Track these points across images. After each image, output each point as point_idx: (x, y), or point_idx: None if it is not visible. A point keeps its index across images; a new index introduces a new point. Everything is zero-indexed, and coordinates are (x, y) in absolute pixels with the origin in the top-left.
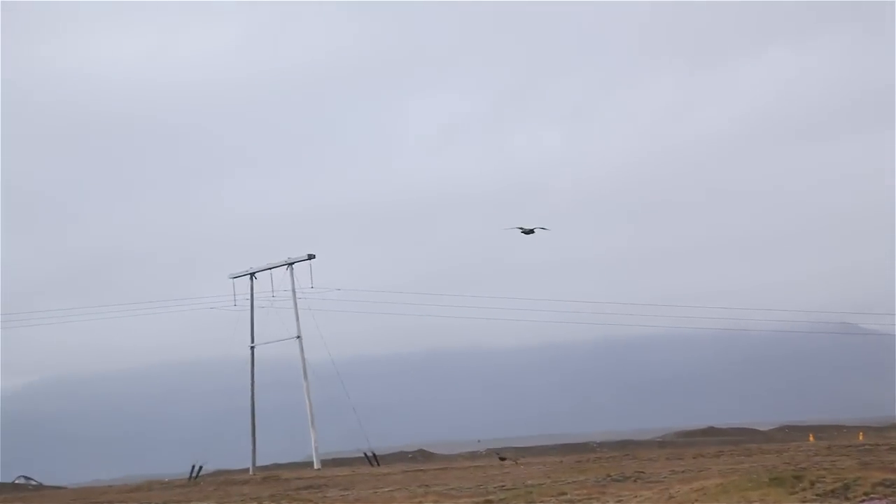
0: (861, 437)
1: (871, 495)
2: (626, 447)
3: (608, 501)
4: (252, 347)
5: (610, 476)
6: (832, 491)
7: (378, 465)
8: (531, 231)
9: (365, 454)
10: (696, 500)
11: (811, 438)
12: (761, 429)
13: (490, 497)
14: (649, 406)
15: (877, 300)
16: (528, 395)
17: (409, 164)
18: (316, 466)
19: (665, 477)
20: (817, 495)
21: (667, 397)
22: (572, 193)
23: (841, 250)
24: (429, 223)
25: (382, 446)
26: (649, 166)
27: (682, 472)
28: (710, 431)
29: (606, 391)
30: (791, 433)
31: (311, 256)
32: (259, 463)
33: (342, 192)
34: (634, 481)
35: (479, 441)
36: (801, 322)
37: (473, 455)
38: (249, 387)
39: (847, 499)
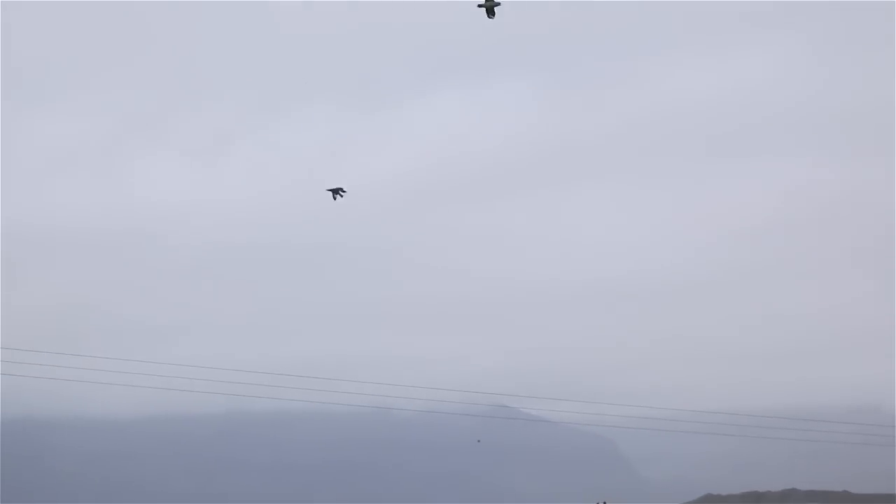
0: None
1: None
2: None
3: None
4: None
5: None
6: None
7: None
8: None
9: None
10: None
11: None
12: None
13: None
14: (281, 488)
15: (537, 382)
16: (139, 473)
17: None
18: None
19: None
20: None
21: (302, 480)
22: (200, 245)
23: (500, 327)
24: (30, 268)
25: None
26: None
27: None
28: None
29: (232, 471)
30: None
31: None
32: None
33: None
34: None
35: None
36: (452, 402)
37: None
38: None
39: None
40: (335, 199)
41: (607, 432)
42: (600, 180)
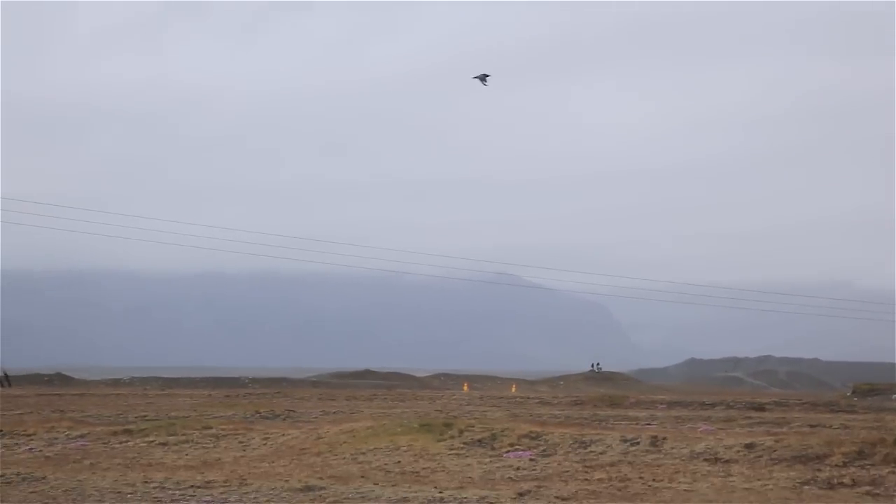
0: (514, 390)
1: (516, 446)
2: (278, 385)
3: (254, 438)
4: None
5: (259, 413)
6: (480, 440)
7: (9, 385)
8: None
9: None
10: (345, 442)
11: (465, 387)
12: (417, 375)
13: (130, 427)
14: (306, 344)
15: (538, 253)
16: (179, 324)
17: (66, 67)
18: None
19: (315, 417)
20: (465, 443)
21: (324, 337)
22: (242, 113)
23: (504, 201)
24: (83, 134)
25: (16, 367)
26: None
27: (334, 413)
28: (366, 374)
29: (262, 326)
30: (446, 381)
31: None
32: None
33: None
34: (284, 419)
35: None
36: (460, 269)
37: (116, 382)
38: None
39: (493, 448)
40: (484, 83)
41: (602, 300)
42: (603, 70)
